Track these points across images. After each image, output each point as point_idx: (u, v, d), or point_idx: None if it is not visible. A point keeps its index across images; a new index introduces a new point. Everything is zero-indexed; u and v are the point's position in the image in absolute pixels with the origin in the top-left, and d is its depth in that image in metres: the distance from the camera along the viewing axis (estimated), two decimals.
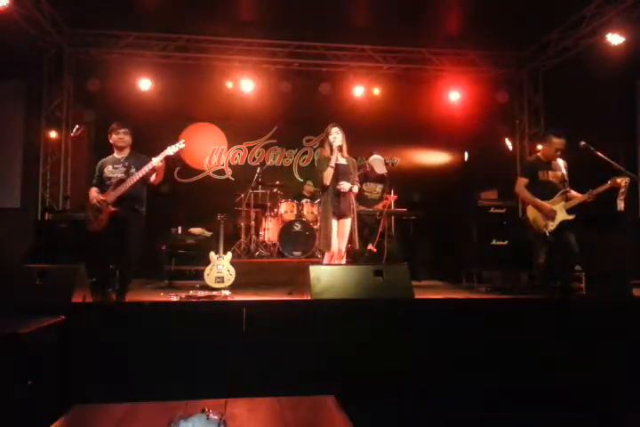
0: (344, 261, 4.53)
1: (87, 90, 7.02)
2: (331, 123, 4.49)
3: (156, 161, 4.10)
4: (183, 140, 4.30)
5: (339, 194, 4.31)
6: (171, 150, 4.20)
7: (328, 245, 4.28)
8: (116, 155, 4.30)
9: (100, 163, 4.38)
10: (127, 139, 4.26)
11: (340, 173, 4.32)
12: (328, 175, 4.28)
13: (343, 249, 4.42)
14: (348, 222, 4.39)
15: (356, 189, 4.46)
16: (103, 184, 4.23)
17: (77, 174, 7.36)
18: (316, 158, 7.90)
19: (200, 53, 7.23)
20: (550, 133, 4.41)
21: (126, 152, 4.29)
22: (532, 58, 7.47)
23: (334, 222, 4.32)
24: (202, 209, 7.07)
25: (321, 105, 7.61)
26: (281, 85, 7.47)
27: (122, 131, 4.25)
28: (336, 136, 4.36)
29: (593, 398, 2.44)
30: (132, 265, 4.18)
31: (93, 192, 4.18)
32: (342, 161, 4.40)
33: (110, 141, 4.29)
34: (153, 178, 4.15)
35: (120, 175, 4.18)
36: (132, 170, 4.18)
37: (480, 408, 2.40)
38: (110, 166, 4.24)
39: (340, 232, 4.36)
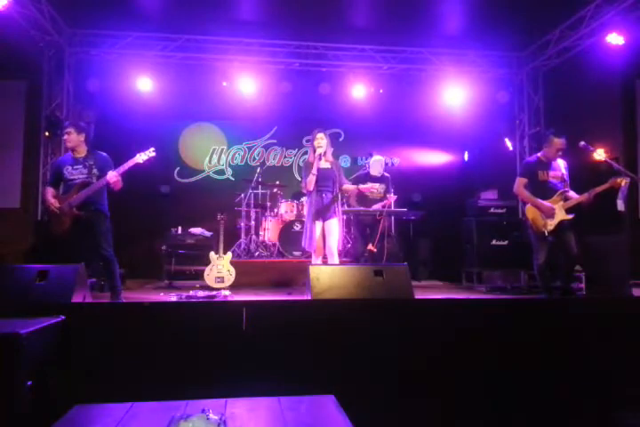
0: (337, 260, 4.58)
1: (87, 90, 7.02)
2: (317, 128, 4.66)
3: (124, 167, 4.06)
4: (153, 149, 4.23)
5: (322, 196, 4.52)
6: (140, 158, 4.15)
7: (312, 246, 4.48)
8: (73, 154, 4.20)
9: (55, 163, 4.31)
10: (72, 138, 4.15)
11: (322, 178, 4.55)
12: (311, 181, 4.51)
13: (334, 249, 4.53)
14: (333, 222, 4.55)
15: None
16: (64, 185, 4.16)
17: None
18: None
19: (200, 53, 7.22)
20: (551, 134, 4.42)
21: (83, 152, 4.20)
22: (532, 58, 7.46)
23: (319, 224, 4.52)
24: (202, 209, 7.07)
25: (321, 105, 7.62)
26: (281, 85, 7.47)
27: (65, 131, 4.18)
28: (320, 142, 4.56)
29: (593, 397, 2.44)
30: (111, 262, 4.13)
31: (50, 197, 4.10)
32: (326, 165, 4.62)
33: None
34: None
35: (82, 177, 4.09)
36: (95, 170, 4.08)
37: (480, 408, 2.40)
38: (69, 167, 4.14)
39: (328, 232, 4.52)
